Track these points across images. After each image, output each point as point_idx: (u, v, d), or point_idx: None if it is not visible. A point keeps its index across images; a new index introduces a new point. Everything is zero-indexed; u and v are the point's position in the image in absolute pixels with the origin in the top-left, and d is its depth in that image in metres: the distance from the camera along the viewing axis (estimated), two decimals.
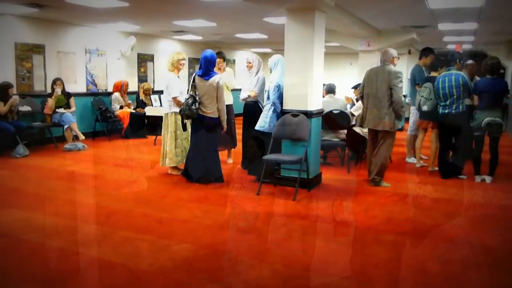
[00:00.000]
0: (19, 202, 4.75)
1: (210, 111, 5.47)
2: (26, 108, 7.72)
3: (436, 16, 7.43)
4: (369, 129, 5.71)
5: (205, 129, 5.50)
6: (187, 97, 5.48)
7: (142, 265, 3.21)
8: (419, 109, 6.26)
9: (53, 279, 2.99)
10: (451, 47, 12.35)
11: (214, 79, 5.42)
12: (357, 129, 6.81)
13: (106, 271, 3.11)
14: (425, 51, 7.06)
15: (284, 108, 5.50)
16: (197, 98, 5.43)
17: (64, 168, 6.35)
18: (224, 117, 5.57)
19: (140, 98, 9.90)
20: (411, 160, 7.02)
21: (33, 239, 3.67)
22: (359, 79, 8.61)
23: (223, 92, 5.53)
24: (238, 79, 7.74)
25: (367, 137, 6.71)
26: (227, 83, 6.44)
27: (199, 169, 5.54)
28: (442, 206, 4.77)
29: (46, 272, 3.09)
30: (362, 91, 5.63)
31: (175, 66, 5.95)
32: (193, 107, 5.37)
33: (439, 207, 4.73)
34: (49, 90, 8.14)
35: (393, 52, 5.53)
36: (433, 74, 6.42)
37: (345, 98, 7.34)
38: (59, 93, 7.95)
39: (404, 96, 10.51)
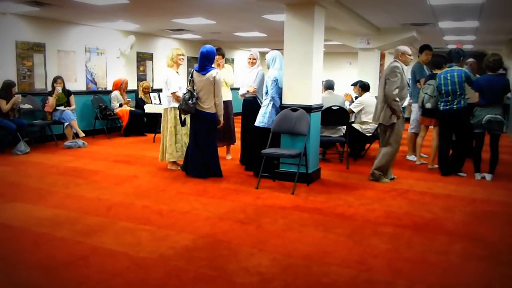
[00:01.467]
0: (20, 195, 4.77)
1: (208, 106, 5.49)
2: (27, 106, 7.76)
3: (436, 14, 7.45)
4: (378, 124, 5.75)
5: (203, 124, 5.52)
6: (184, 92, 5.50)
7: (143, 253, 3.23)
8: (422, 106, 6.26)
9: (56, 266, 3.00)
10: (451, 46, 12.36)
11: (211, 73, 5.44)
12: (356, 125, 6.83)
13: (107, 259, 3.13)
14: (421, 48, 7.08)
15: (283, 102, 5.52)
16: (194, 93, 5.46)
17: (64, 164, 6.37)
18: (220, 112, 5.58)
19: (139, 96, 9.94)
20: (411, 157, 7.03)
21: (36, 229, 3.69)
22: (358, 78, 8.63)
23: (221, 86, 5.55)
24: (237, 78, 7.74)
25: (366, 134, 6.76)
26: (226, 79, 6.47)
27: (198, 164, 5.56)
28: (441, 201, 4.77)
29: (49, 260, 3.10)
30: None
31: (175, 61, 5.97)
32: (190, 102, 5.39)
33: (438, 202, 4.73)
34: (49, 88, 8.19)
35: (401, 48, 5.47)
36: (436, 71, 6.40)
37: (344, 94, 7.34)
38: (60, 91, 7.99)
39: None
